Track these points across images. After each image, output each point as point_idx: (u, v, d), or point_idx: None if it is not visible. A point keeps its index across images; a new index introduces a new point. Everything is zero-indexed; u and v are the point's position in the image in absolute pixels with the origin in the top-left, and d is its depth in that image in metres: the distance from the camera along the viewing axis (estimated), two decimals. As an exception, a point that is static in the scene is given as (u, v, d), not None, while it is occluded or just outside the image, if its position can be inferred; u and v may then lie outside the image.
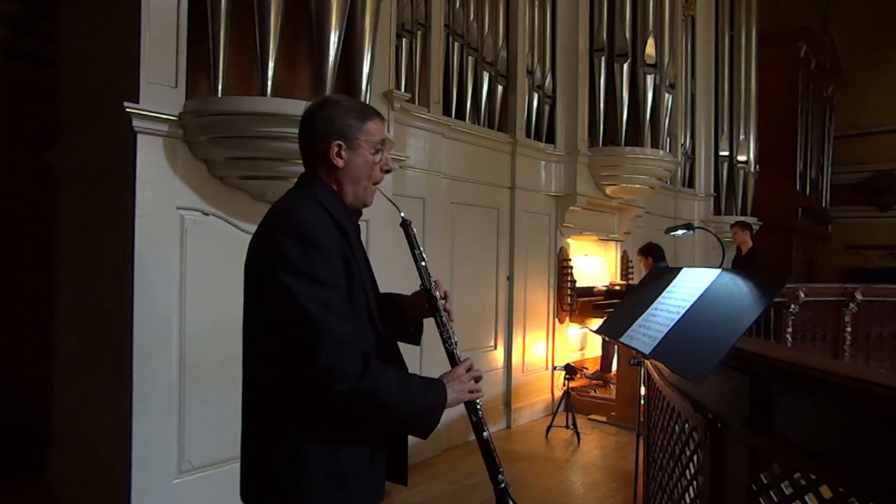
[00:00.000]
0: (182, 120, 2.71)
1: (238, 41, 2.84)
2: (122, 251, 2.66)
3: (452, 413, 1.42)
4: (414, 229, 1.55)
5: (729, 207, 8.50)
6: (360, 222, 1.53)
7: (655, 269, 4.14)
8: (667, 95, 6.20)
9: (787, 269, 9.95)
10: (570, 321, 5.79)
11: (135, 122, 2.56)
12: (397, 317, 1.61)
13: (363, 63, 3.09)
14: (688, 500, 1.94)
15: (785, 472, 1.43)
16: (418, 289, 1.57)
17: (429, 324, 1.63)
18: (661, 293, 2.03)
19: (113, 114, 2.61)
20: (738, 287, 1.69)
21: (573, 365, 5.15)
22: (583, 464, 4.25)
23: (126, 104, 2.52)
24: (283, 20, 2.79)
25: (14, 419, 3.76)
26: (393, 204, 1.63)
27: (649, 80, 6.01)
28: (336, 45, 2.90)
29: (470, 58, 4.83)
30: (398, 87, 3.98)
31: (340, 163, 1.40)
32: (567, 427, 4.78)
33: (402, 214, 1.55)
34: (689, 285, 1.90)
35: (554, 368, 5.51)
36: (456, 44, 4.73)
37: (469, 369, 1.47)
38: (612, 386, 5.65)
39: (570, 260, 5.71)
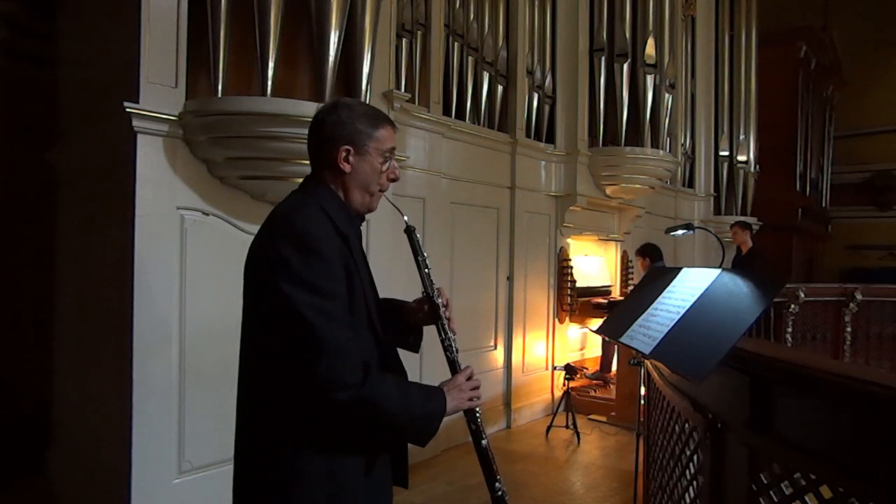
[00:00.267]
0: (182, 120, 2.71)
1: (238, 41, 2.83)
2: (122, 251, 2.66)
3: (451, 414, 1.42)
4: (418, 236, 1.55)
5: (729, 207, 8.50)
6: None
7: (654, 269, 4.14)
8: (667, 95, 6.20)
9: (787, 269, 9.95)
10: (570, 321, 5.79)
11: (135, 122, 2.56)
12: (398, 323, 1.60)
13: (363, 63, 3.09)
14: (688, 500, 1.94)
15: (785, 472, 1.43)
16: (420, 296, 1.56)
17: (429, 330, 1.62)
18: (661, 293, 2.03)
19: (113, 114, 2.61)
20: (738, 287, 1.69)
21: (573, 365, 5.15)
22: (583, 464, 4.25)
23: (126, 104, 2.52)
24: (283, 20, 2.79)
25: (14, 419, 3.76)
26: (398, 210, 1.62)
27: (649, 80, 6.01)
28: (336, 45, 2.90)
29: (470, 58, 4.83)
30: (398, 87, 3.98)
31: (347, 168, 1.38)
32: (567, 427, 4.78)
33: (406, 220, 1.54)
34: (689, 285, 1.90)
35: (554, 368, 5.51)
36: (456, 44, 4.73)
37: (469, 378, 1.47)
38: (612, 386, 5.64)
39: (570, 260, 5.71)
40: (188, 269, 2.80)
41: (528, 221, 5.30)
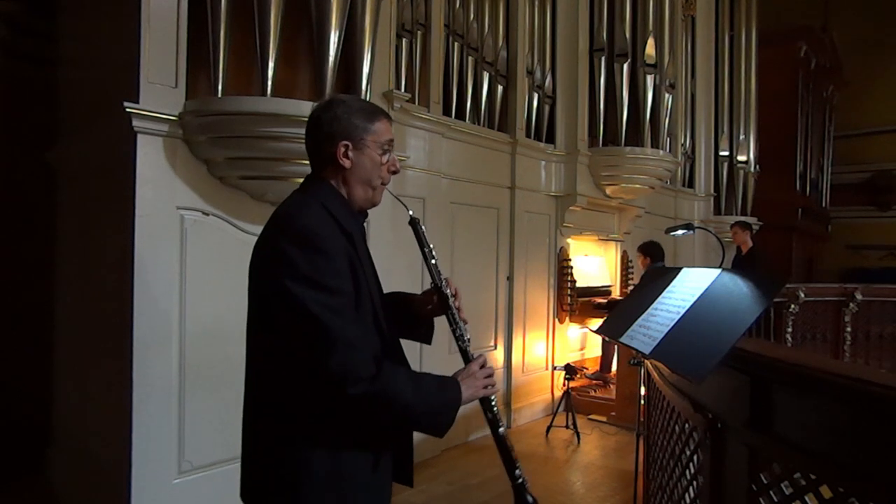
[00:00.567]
0: (182, 120, 2.71)
1: (238, 41, 2.83)
2: (122, 251, 2.66)
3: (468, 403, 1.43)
4: (423, 227, 1.55)
5: (729, 207, 8.50)
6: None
7: (653, 269, 4.14)
8: (667, 95, 6.20)
9: (787, 269, 9.95)
10: (570, 321, 5.79)
11: (135, 122, 2.56)
12: (408, 316, 1.61)
13: (363, 63, 3.09)
14: (688, 500, 1.93)
15: (785, 472, 1.43)
16: (429, 287, 1.56)
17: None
18: (661, 293, 2.03)
19: (113, 114, 2.61)
20: (738, 287, 1.69)
21: (573, 365, 5.14)
22: (583, 464, 4.25)
23: (126, 104, 2.52)
24: (283, 20, 2.78)
25: (14, 419, 3.76)
26: (401, 203, 1.63)
27: (649, 80, 6.01)
28: (336, 45, 2.90)
29: (470, 58, 4.83)
30: (398, 87, 3.98)
31: (347, 163, 1.38)
32: (567, 427, 4.78)
33: (411, 212, 1.55)
34: (689, 285, 1.90)
35: (554, 368, 5.51)
36: (456, 44, 4.73)
37: (483, 366, 1.47)
38: (612, 386, 5.64)
39: (570, 260, 5.71)
40: (188, 269, 2.80)
41: (528, 221, 5.30)
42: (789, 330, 5.90)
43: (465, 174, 4.69)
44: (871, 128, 12.72)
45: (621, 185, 5.96)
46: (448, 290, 1.52)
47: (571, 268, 5.70)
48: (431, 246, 1.54)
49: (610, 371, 5.87)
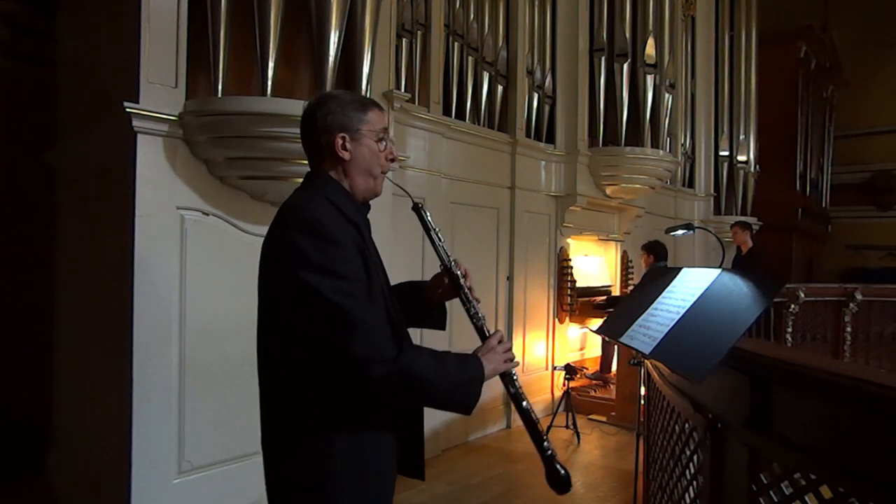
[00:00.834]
0: (182, 120, 2.71)
1: (238, 41, 2.83)
2: (122, 251, 2.66)
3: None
4: (427, 211, 1.57)
5: (729, 207, 8.50)
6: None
7: (654, 269, 4.14)
8: (667, 95, 6.20)
9: (787, 269, 9.95)
10: (570, 321, 5.79)
11: (135, 122, 2.56)
12: (419, 303, 1.62)
13: (363, 63, 3.09)
14: (688, 500, 1.93)
15: (785, 472, 1.43)
16: (438, 272, 1.58)
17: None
18: (661, 293, 2.03)
19: (113, 114, 2.61)
20: (738, 287, 1.69)
21: (573, 365, 5.14)
22: (583, 464, 4.25)
23: (126, 104, 2.52)
24: (283, 20, 2.79)
25: (14, 419, 3.76)
26: (403, 190, 1.66)
27: (649, 80, 6.01)
28: (336, 45, 2.90)
29: (470, 58, 4.83)
30: (398, 87, 3.98)
31: (347, 155, 1.40)
32: (567, 427, 4.78)
33: (413, 199, 1.58)
34: (689, 285, 1.90)
35: (554, 368, 5.51)
36: (456, 44, 4.73)
37: (501, 341, 1.48)
38: (612, 386, 5.64)
39: (570, 260, 5.71)
40: (188, 269, 2.80)
41: (528, 221, 5.30)
42: (789, 330, 5.90)
43: (465, 174, 4.69)
44: (871, 128, 12.72)
45: (621, 185, 5.96)
46: (458, 271, 1.53)
47: (571, 268, 5.70)
48: (437, 228, 1.56)
49: (610, 371, 5.87)
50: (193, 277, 2.81)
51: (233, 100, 2.76)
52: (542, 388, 5.47)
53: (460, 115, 4.79)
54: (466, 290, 1.53)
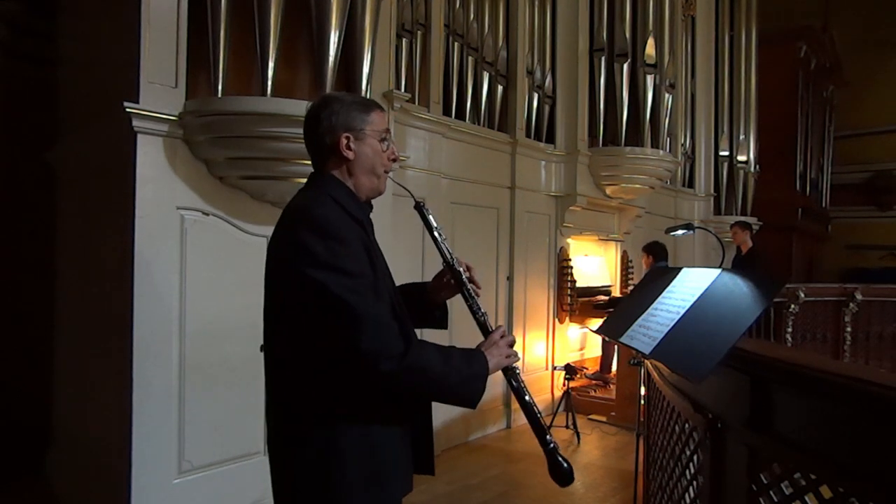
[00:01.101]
0: (182, 120, 2.71)
1: (238, 41, 2.84)
2: (122, 251, 2.66)
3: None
4: (429, 209, 1.59)
5: (729, 207, 8.50)
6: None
7: (655, 269, 4.14)
8: (667, 95, 6.20)
9: (787, 269, 9.95)
10: (570, 321, 5.79)
11: (135, 122, 2.56)
12: (421, 303, 1.64)
13: (363, 63, 3.09)
14: (688, 500, 1.93)
15: (785, 472, 1.43)
16: (440, 270, 1.60)
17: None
18: (661, 293, 2.03)
19: (113, 114, 2.61)
20: (738, 287, 1.69)
21: (573, 365, 5.15)
22: (583, 464, 4.25)
23: (126, 104, 2.52)
24: (283, 20, 2.79)
25: (14, 419, 3.76)
26: (405, 189, 1.68)
27: (649, 80, 6.01)
28: (336, 45, 2.90)
29: (470, 58, 4.83)
30: (398, 87, 3.98)
31: (351, 155, 1.42)
32: (567, 427, 4.78)
33: (416, 198, 1.60)
34: (689, 285, 1.90)
35: (554, 368, 5.51)
36: (456, 44, 4.73)
37: (503, 336, 1.50)
38: (612, 386, 5.64)
39: (570, 260, 5.71)
40: (188, 269, 2.80)
41: (528, 221, 5.30)
42: (789, 330, 5.90)
43: (465, 174, 4.69)
44: (871, 128, 12.72)
45: (621, 185, 5.96)
46: (460, 268, 1.55)
47: (571, 268, 5.70)
48: (439, 227, 1.58)
49: (610, 371, 5.87)
50: (193, 277, 2.81)
51: (233, 100, 2.76)
52: (542, 388, 5.47)
53: (460, 115, 4.79)
54: (469, 287, 1.55)
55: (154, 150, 2.67)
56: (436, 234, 1.56)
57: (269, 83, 2.77)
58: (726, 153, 8.45)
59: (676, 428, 2.07)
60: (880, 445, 1.19)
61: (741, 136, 8.55)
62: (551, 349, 5.59)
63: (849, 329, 6.24)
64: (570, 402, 4.87)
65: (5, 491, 3.43)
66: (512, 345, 1.50)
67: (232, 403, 2.95)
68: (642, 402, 2.89)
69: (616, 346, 5.50)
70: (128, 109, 2.52)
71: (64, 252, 3.51)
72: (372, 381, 1.28)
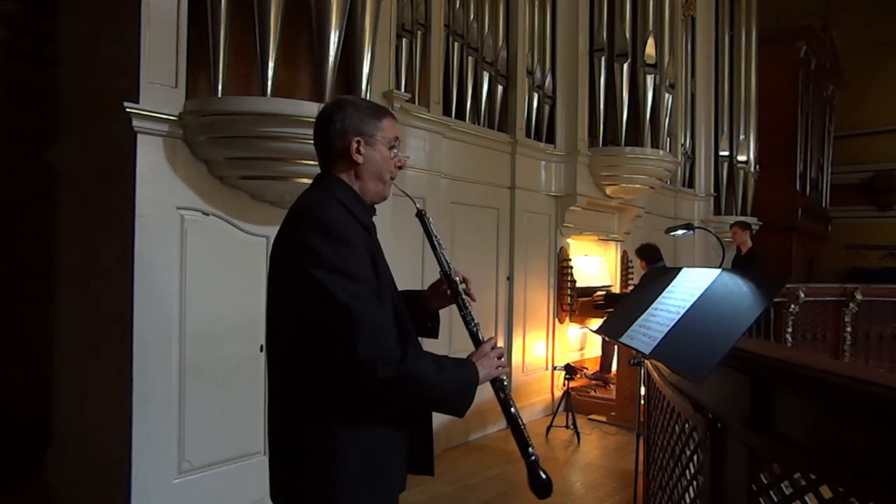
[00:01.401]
0: (182, 120, 2.71)
1: (238, 41, 2.84)
2: (122, 251, 2.66)
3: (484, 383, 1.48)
4: (430, 218, 1.61)
5: (729, 207, 8.50)
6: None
7: (654, 269, 4.14)
8: (667, 95, 6.20)
9: (787, 269, 9.95)
10: (570, 321, 5.79)
11: (135, 122, 2.56)
12: (416, 312, 1.65)
13: (363, 63, 3.09)
14: (688, 500, 1.94)
15: (785, 472, 1.43)
16: (436, 280, 1.63)
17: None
18: (661, 293, 2.03)
19: (113, 114, 2.61)
20: (738, 287, 1.69)
21: (573, 365, 5.14)
22: (583, 464, 4.25)
23: (126, 104, 2.52)
24: (283, 20, 2.79)
25: (14, 419, 3.76)
26: (408, 196, 1.68)
27: (649, 80, 6.01)
28: (336, 45, 2.90)
29: (470, 58, 4.83)
30: (398, 87, 3.98)
31: (360, 159, 1.44)
32: (567, 427, 4.78)
33: (418, 205, 1.61)
34: (689, 285, 1.90)
35: (554, 368, 5.51)
36: (456, 44, 4.73)
37: (494, 347, 1.52)
38: (612, 386, 5.64)
39: (570, 260, 5.71)
40: (188, 269, 2.80)
41: (528, 221, 5.30)
42: (789, 330, 5.90)
43: (465, 174, 4.69)
44: (871, 128, 12.72)
45: (621, 185, 5.96)
46: (457, 278, 1.58)
47: (571, 268, 5.70)
48: (438, 237, 1.60)
49: (610, 371, 5.87)
50: (193, 277, 2.81)
51: (233, 100, 2.76)
52: (542, 388, 5.47)
53: (460, 115, 4.79)
54: (464, 297, 1.57)
55: (154, 150, 2.67)
56: (435, 242, 1.58)
57: (269, 83, 2.77)
58: (726, 153, 8.45)
59: (676, 428, 2.07)
60: (880, 445, 1.19)
61: (741, 136, 8.55)
62: (551, 349, 5.59)
63: (849, 329, 6.24)
64: (570, 402, 4.87)
65: (5, 491, 3.43)
66: (501, 356, 1.53)
67: (232, 403, 2.95)
68: (642, 402, 2.89)
69: (616, 346, 5.50)
70: (128, 109, 2.52)
71: (64, 252, 3.50)
72: (368, 386, 1.29)
